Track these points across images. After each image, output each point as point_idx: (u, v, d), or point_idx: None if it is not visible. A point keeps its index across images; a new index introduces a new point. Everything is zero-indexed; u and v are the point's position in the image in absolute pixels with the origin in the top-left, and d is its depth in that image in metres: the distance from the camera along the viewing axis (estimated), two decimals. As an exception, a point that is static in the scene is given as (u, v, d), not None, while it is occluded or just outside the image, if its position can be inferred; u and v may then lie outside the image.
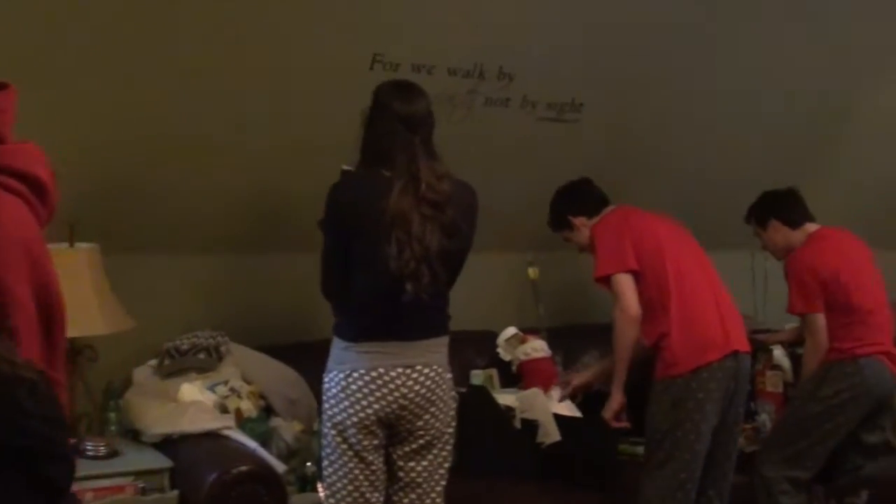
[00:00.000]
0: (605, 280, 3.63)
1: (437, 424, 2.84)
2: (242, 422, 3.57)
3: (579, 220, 3.84)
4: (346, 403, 2.76)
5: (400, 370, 2.77)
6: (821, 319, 3.93)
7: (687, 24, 4.13)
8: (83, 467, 2.88)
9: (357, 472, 2.80)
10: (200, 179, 3.71)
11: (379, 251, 2.68)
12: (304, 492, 3.40)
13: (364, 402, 2.75)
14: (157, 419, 3.46)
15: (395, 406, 2.77)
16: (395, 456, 2.86)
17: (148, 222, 3.78)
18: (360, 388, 2.75)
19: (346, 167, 2.83)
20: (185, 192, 3.73)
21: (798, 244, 4.06)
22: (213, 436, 3.42)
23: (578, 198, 3.87)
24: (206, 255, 3.99)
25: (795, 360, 4.29)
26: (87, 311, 3.29)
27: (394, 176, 2.71)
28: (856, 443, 3.97)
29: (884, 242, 4.62)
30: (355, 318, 2.82)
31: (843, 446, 3.94)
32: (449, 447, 2.90)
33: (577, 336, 4.58)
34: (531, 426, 3.80)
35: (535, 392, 3.99)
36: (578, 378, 4.06)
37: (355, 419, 2.75)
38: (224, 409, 3.58)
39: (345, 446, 2.79)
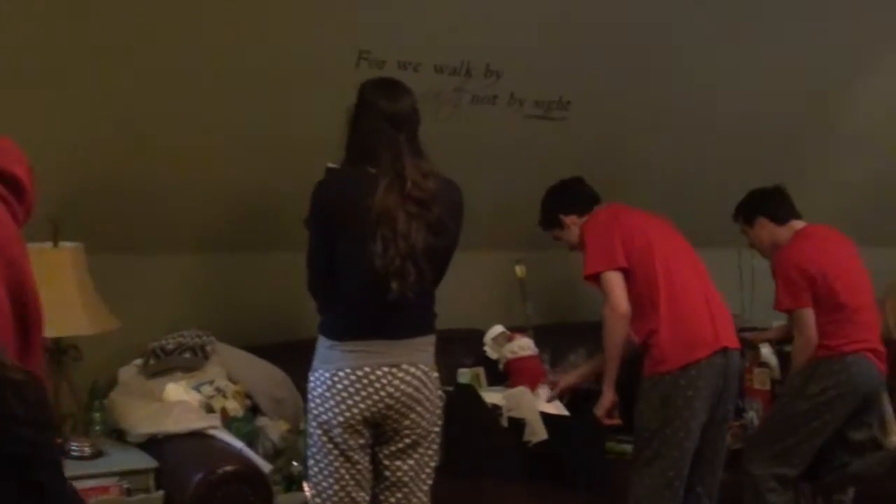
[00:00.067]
0: (595, 278, 3.62)
1: (424, 423, 2.82)
2: (228, 421, 3.55)
3: (570, 219, 3.83)
4: (332, 403, 2.74)
5: (386, 369, 2.75)
6: (809, 314, 3.92)
7: (670, 23, 4.13)
8: (68, 468, 2.81)
9: (343, 471, 2.78)
10: (185, 178, 3.70)
11: (364, 249, 2.67)
12: (290, 491, 3.39)
13: (350, 402, 2.74)
14: (143, 419, 3.44)
15: (381, 405, 2.75)
16: (381, 455, 2.84)
17: (133, 221, 3.76)
18: (345, 388, 2.74)
19: (331, 165, 2.82)
20: (169, 191, 3.71)
21: (784, 241, 4.06)
22: (198, 435, 3.40)
23: (570, 196, 3.87)
24: (191, 254, 3.98)
25: (783, 357, 4.30)
26: (72, 311, 3.27)
27: (379, 173, 2.70)
28: (842, 440, 3.97)
29: (870, 240, 4.62)
30: (341, 316, 2.80)
31: (830, 443, 3.94)
32: (435, 446, 2.89)
33: (565, 334, 4.58)
34: (518, 425, 3.79)
35: (521, 390, 4.00)
36: (565, 379, 4.05)
37: (341, 419, 2.74)
38: (210, 409, 3.57)
39: (330, 445, 2.77)
